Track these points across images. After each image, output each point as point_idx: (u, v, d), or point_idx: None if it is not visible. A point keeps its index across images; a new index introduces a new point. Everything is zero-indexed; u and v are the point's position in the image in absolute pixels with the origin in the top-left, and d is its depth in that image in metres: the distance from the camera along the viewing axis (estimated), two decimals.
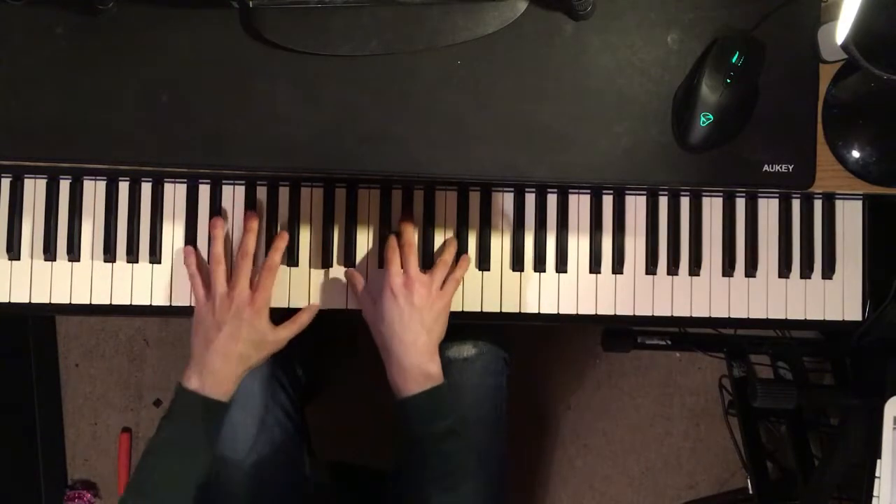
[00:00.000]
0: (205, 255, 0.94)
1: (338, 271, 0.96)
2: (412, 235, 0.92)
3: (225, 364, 0.87)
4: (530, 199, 0.96)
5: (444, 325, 0.92)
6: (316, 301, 0.95)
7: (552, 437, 1.62)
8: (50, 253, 0.93)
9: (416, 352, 0.88)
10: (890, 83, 0.74)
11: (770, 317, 0.97)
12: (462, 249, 0.96)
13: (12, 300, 0.94)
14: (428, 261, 0.95)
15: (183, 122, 0.83)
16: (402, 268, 0.90)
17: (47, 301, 0.94)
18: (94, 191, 0.95)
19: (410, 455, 0.88)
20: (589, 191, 0.97)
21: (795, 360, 1.23)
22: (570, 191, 0.96)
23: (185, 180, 0.95)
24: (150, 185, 0.95)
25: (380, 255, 0.95)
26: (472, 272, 0.96)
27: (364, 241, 0.96)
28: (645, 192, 0.97)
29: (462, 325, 1.04)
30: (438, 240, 0.96)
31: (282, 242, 0.92)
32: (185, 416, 0.87)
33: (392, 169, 0.85)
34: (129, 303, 0.95)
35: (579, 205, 0.97)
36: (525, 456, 1.61)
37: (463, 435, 0.89)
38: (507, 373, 1.08)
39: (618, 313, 0.97)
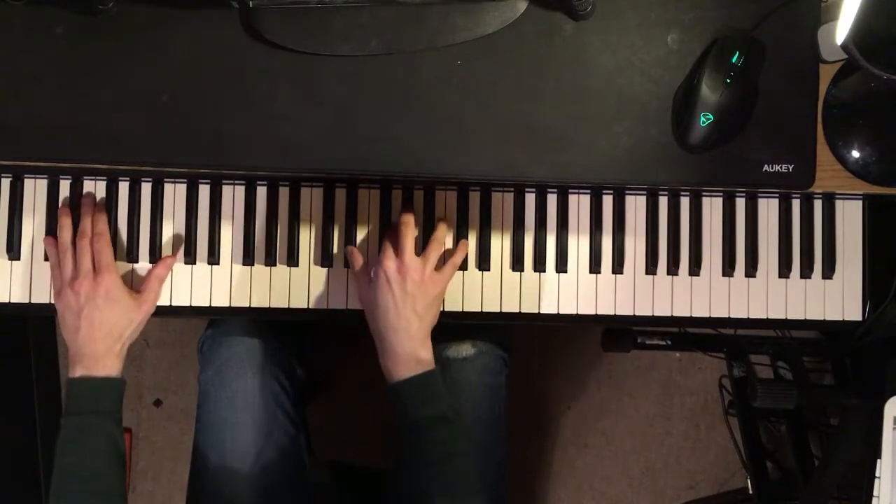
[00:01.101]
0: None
1: (338, 271, 0.96)
2: (411, 218, 0.92)
3: (100, 344, 0.87)
4: (530, 199, 0.96)
5: (438, 309, 0.92)
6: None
7: (552, 437, 1.62)
8: None
9: (408, 337, 0.88)
10: (890, 83, 0.74)
11: (770, 317, 0.97)
12: None
13: (12, 300, 0.94)
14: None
15: (183, 122, 0.83)
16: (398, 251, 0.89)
17: (47, 301, 0.94)
18: (94, 191, 0.95)
19: (404, 442, 0.88)
20: (589, 191, 0.97)
21: (795, 360, 1.23)
22: (570, 191, 0.96)
23: (185, 180, 0.95)
24: (150, 185, 0.95)
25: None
26: (472, 272, 0.96)
27: (364, 241, 0.96)
28: (645, 192, 0.97)
29: (461, 325, 1.04)
30: None
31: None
32: (85, 403, 0.86)
33: (392, 169, 0.85)
34: None
35: (579, 205, 0.97)
36: (525, 456, 1.61)
37: (455, 421, 0.89)
38: (507, 372, 1.08)
39: (618, 313, 0.97)
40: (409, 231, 0.90)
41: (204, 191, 0.95)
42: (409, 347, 0.88)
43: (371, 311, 0.90)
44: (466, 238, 0.96)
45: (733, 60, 0.83)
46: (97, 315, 0.87)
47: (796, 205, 0.97)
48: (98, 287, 0.87)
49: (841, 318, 0.97)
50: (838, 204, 0.98)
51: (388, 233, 0.92)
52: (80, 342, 0.87)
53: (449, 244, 0.96)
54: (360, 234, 0.96)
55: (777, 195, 0.97)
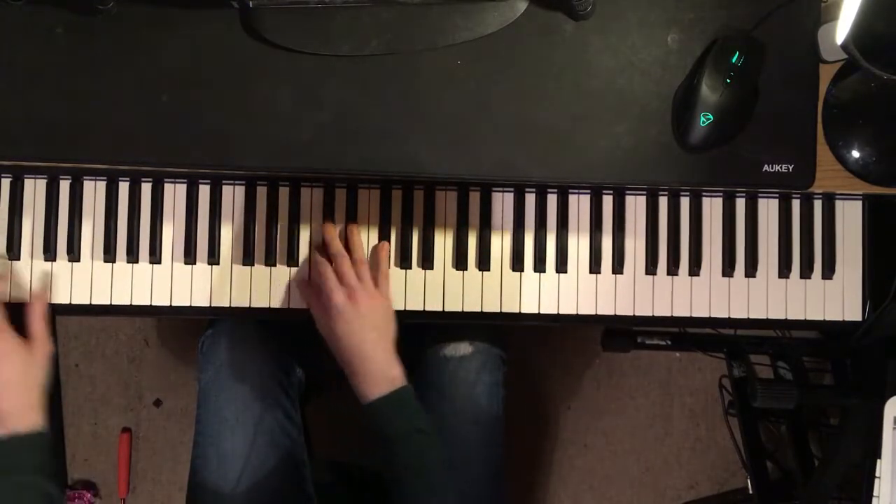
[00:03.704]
0: None
1: None
2: (338, 245, 0.93)
3: (13, 401, 0.85)
4: (530, 199, 0.96)
5: (393, 319, 0.92)
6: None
7: (552, 437, 1.62)
8: (50, 253, 0.93)
9: (375, 358, 0.89)
10: (890, 83, 0.74)
11: (770, 317, 0.97)
12: (462, 250, 0.95)
13: (12, 300, 0.94)
14: (426, 263, 0.95)
15: (183, 122, 0.83)
16: (339, 281, 0.90)
17: (47, 301, 0.94)
18: (94, 191, 0.95)
19: (383, 459, 0.89)
20: (589, 191, 0.97)
21: (795, 360, 1.23)
22: (570, 191, 0.96)
23: (184, 180, 0.95)
24: (150, 185, 0.95)
25: None
26: (472, 272, 0.96)
27: (364, 242, 0.96)
28: (645, 192, 0.97)
29: (459, 325, 1.04)
30: (438, 240, 0.96)
31: None
32: (15, 464, 0.84)
33: (392, 169, 0.85)
34: (129, 303, 0.95)
35: (579, 205, 0.97)
36: (525, 456, 1.61)
37: (431, 434, 0.89)
38: (504, 370, 1.08)
39: (618, 313, 0.97)
40: (346, 260, 0.91)
41: (204, 191, 0.95)
42: (378, 367, 0.89)
43: (333, 342, 0.91)
44: (467, 238, 0.95)
45: (733, 60, 0.83)
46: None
47: (796, 205, 0.97)
48: None
49: (841, 318, 0.97)
50: (838, 204, 0.98)
51: (318, 262, 0.92)
52: None
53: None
54: (360, 234, 0.96)
55: (777, 195, 0.97)
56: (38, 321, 0.90)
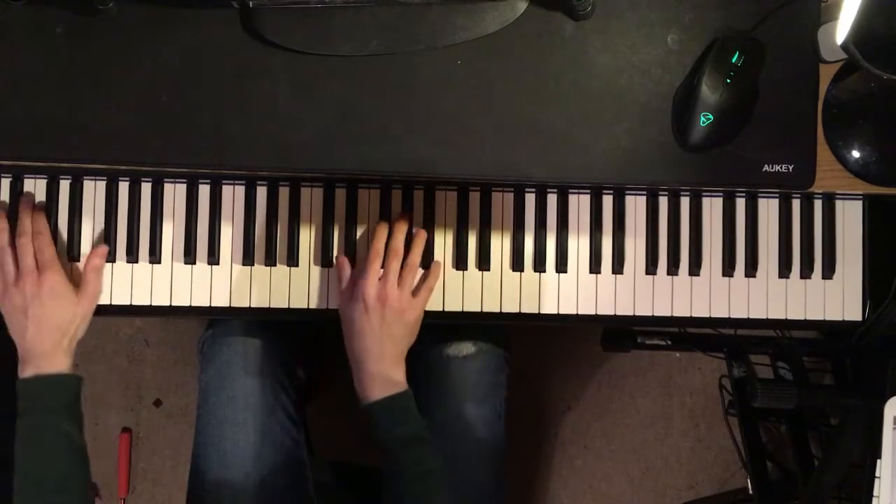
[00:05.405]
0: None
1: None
2: (400, 242, 0.92)
3: (48, 342, 0.86)
4: (530, 199, 0.96)
5: (415, 333, 0.92)
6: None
7: (552, 437, 1.62)
8: None
9: (381, 360, 0.89)
10: (890, 83, 0.74)
11: (770, 317, 0.97)
12: (462, 249, 0.95)
13: None
14: (426, 260, 0.95)
15: (183, 122, 0.83)
16: (378, 278, 0.90)
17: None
18: (94, 191, 0.95)
19: (382, 458, 0.89)
20: (589, 191, 0.97)
21: (795, 360, 1.23)
22: (570, 191, 0.96)
23: (184, 180, 0.95)
24: (149, 185, 0.95)
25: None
26: (472, 272, 0.96)
27: (364, 241, 0.96)
28: (645, 192, 0.97)
29: (462, 324, 1.04)
30: (438, 240, 0.96)
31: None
32: (35, 403, 0.85)
33: (392, 169, 0.85)
34: (129, 303, 0.95)
35: (579, 205, 0.97)
36: (525, 456, 1.61)
37: (429, 441, 0.89)
38: (507, 371, 1.08)
39: (618, 313, 0.97)
40: (398, 258, 0.91)
41: (204, 191, 0.95)
42: (382, 369, 0.89)
43: (348, 329, 0.91)
44: (467, 238, 0.95)
45: (733, 60, 0.83)
46: (42, 312, 0.86)
47: (796, 205, 0.97)
48: (42, 284, 0.86)
49: (841, 318, 0.97)
50: (838, 204, 0.98)
51: (373, 251, 0.91)
52: (28, 341, 0.86)
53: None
54: (360, 234, 0.96)
55: (777, 195, 0.97)
56: (91, 271, 0.90)
